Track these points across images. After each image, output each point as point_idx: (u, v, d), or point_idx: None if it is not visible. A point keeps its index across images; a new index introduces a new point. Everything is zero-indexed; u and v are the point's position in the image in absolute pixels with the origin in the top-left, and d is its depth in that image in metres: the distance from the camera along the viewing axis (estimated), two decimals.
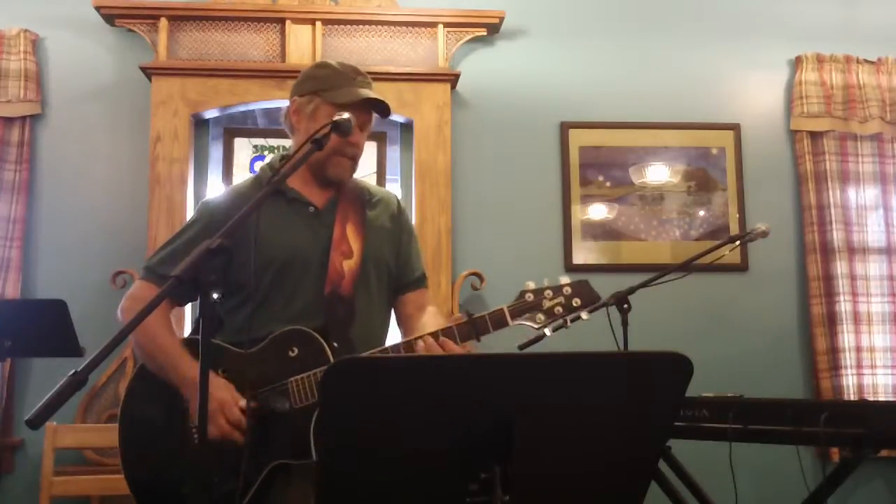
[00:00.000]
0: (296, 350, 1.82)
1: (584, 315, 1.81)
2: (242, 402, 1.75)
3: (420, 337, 1.79)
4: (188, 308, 3.26)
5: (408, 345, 1.80)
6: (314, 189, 2.00)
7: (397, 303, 2.07)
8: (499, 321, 1.79)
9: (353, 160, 1.99)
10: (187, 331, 3.21)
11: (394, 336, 2.05)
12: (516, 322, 1.80)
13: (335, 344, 1.83)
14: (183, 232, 2.00)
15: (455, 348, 1.76)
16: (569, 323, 1.81)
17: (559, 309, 1.79)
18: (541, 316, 1.79)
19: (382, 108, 1.98)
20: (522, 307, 1.80)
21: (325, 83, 1.94)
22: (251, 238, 1.83)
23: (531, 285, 1.82)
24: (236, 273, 1.85)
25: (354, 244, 1.94)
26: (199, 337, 1.67)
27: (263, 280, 1.88)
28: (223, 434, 1.75)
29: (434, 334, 1.78)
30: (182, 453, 1.82)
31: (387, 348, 1.85)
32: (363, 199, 2.04)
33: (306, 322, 1.85)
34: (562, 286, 1.81)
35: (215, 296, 1.36)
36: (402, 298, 2.06)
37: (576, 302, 1.80)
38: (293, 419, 1.78)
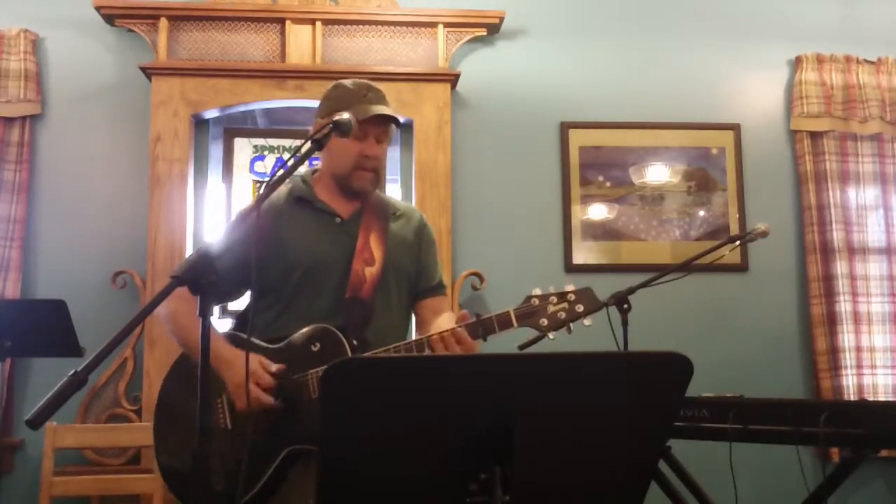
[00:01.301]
0: (318, 345, 1.95)
1: (586, 321, 1.90)
2: (273, 367, 1.89)
3: (429, 336, 1.89)
4: None
5: (419, 343, 1.89)
6: (341, 201, 2.12)
7: (416, 307, 2.19)
8: (505, 323, 1.88)
9: (375, 172, 2.11)
10: None
11: None
12: (521, 325, 1.88)
13: (354, 342, 1.96)
14: (216, 242, 2.10)
15: (467, 338, 1.84)
16: (571, 328, 1.89)
17: (562, 314, 1.87)
18: (544, 320, 1.88)
19: (394, 120, 2.10)
20: (528, 311, 1.88)
21: (338, 103, 2.04)
22: (269, 240, 2.01)
23: (538, 291, 1.91)
24: (265, 277, 2.03)
25: (377, 252, 2.07)
26: (234, 333, 2.05)
27: (289, 283, 2.03)
28: (255, 399, 1.85)
29: (446, 331, 1.87)
30: (211, 437, 1.94)
31: (398, 346, 1.92)
32: (387, 213, 2.17)
33: (326, 322, 1.97)
34: (566, 293, 1.90)
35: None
36: (420, 304, 2.18)
37: (579, 308, 1.88)
38: (312, 408, 1.88)
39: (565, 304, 1.87)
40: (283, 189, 2.20)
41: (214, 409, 1.97)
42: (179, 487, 1.96)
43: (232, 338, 2.00)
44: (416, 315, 2.20)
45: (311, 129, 2.14)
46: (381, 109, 2.05)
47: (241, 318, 2.13)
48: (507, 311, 1.88)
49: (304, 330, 1.97)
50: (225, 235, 2.11)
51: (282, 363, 1.92)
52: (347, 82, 2.12)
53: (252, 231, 1.92)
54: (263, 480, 1.88)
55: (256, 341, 2.00)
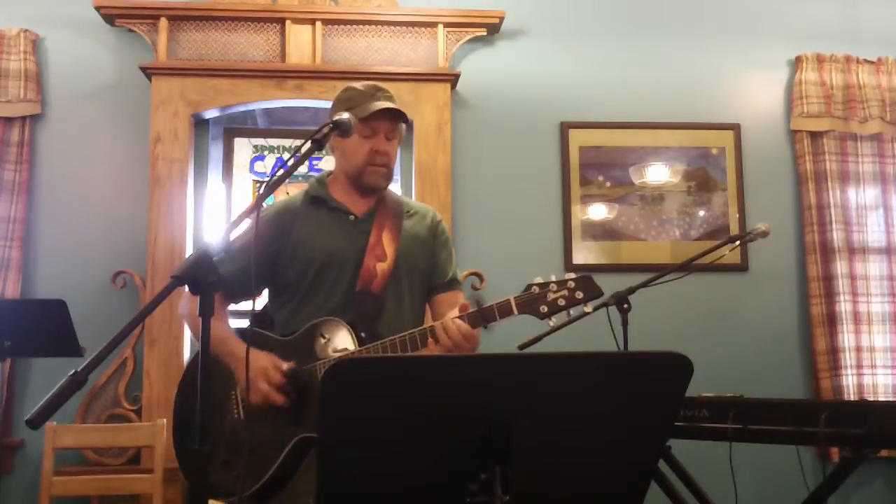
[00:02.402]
0: (326, 337, 2.01)
1: (586, 308, 1.93)
2: (285, 366, 1.96)
3: (431, 326, 1.94)
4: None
5: (421, 332, 1.93)
6: (356, 199, 2.18)
7: (432, 302, 2.24)
8: (505, 310, 1.91)
9: (387, 167, 2.15)
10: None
11: None
12: (521, 312, 1.91)
13: (362, 334, 2.01)
14: (234, 241, 2.15)
15: (468, 328, 1.89)
16: (571, 313, 1.92)
17: (562, 301, 1.90)
18: (544, 307, 1.90)
19: (402, 116, 2.14)
20: (528, 298, 1.91)
21: (349, 103, 2.09)
22: (286, 240, 2.10)
23: (538, 279, 1.94)
24: (281, 275, 2.11)
25: (388, 249, 2.13)
26: (245, 329, 2.15)
27: (305, 280, 2.10)
28: (265, 397, 1.94)
29: (448, 320, 1.92)
30: (224, 427, 2.03)
31: (403, 336, 1.94)
32: (401, 211, 2.22)
33: (339, 316, 2.04)
34: (566, 280, 1.93)
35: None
36: (435, 298, 2.23)
37: (578, 295, 1.90)
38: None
39: (565, 292, 1.90)
40: (299, 192, 2.26)
41: (229, 401, 2.05)
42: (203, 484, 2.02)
43: (243, 334, 2.07)
44: (431, 310, 2.24)
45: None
46: (386, 104, 2.09)
47: (260, 316, 2.20)
48: (508, 299, 1.92)
49: (314, 322, 2.03)
50: (237, 237, 2.14)
51: (292, 355, 1.99)
52: (358, 84, 2.17)
53: (263, 231, 1.99)
54: (275, 466, 1.94)
55: (269, 334, 2.10)
